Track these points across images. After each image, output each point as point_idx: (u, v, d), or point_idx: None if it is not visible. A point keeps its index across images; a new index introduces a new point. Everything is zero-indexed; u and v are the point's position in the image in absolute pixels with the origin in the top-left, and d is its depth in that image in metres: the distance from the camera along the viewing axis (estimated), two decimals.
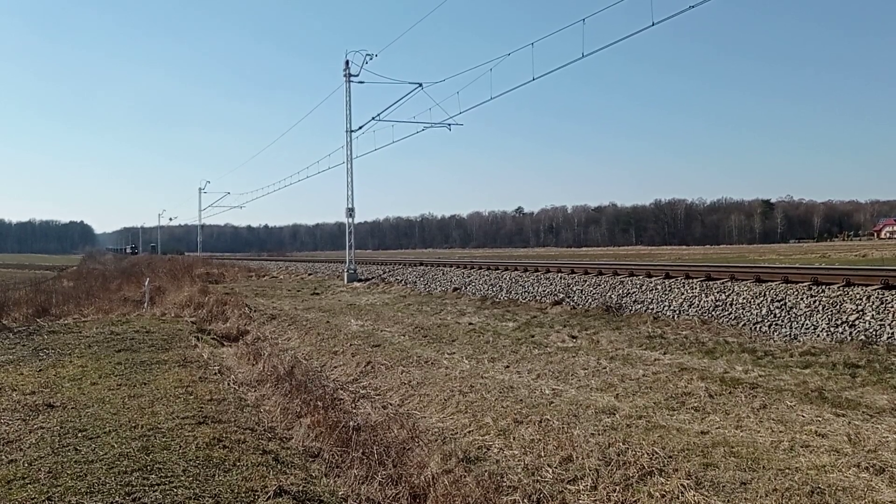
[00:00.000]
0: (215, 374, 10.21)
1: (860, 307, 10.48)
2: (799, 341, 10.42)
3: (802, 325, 10.92)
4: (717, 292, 13.13)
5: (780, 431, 6.33)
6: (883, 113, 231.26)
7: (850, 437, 5.98)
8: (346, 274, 29.63)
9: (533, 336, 12.61)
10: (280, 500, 5.10)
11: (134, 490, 5.02)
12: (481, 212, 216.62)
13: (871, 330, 10.00)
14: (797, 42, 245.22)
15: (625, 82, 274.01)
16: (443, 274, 24.28)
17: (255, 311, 21.20)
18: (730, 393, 7.72)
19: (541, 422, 7.31)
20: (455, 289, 21.54)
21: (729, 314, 12.35)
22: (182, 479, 5.30)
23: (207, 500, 4.94)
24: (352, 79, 29.71)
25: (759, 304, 11.97)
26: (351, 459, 6.54)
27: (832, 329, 10.45)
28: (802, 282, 12.33)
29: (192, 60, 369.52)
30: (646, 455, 5.97)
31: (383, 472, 6.22)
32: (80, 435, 6.45)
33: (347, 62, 29.58)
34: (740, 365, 9.09)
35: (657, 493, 5.34)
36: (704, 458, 5.78)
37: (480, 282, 21.03)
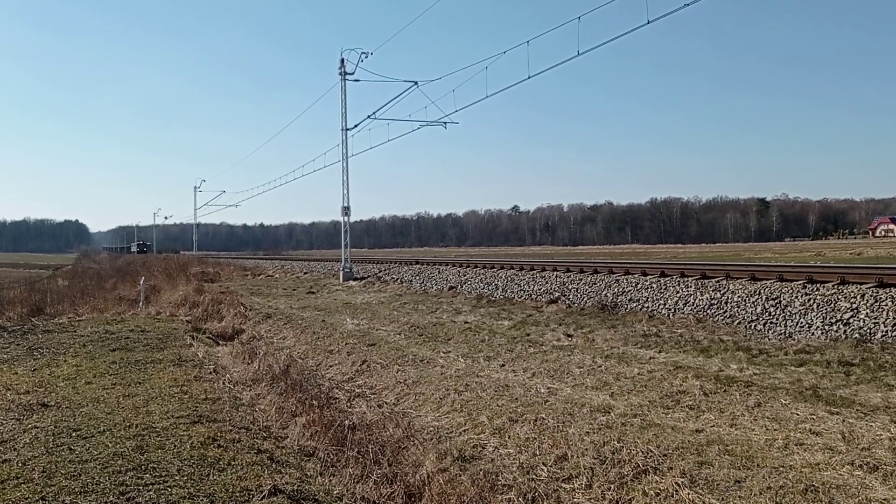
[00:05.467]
0: (210, 373, 10.20)
1: (855, 305, 10.52)
2: (794, 339, 10.45)
3: (797, 323, 10.95)
4: (713, 291, 13.16)
5: (775, 429, 6.34)
6: (879, 111, 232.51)
7: (844, 435, 5.99)
8: (341, 273, 29.59)
9: (528, 335, 12.61)
10: (275, 499, 5.10)
11: (128, 490, 5.00)
12: (477, 210, 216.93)
13: (865, 328, 10.03)
14: (793, 40, 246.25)
15: (620, 80, 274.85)
16: (438, 272, 24.27)
17: (250, 310, 21.17)
18: (724, 391, 7.73)
19: (536, 420, 7.32)
20: (451, 287, 21.54)
21: (724, 312, 12.38)
22: (177, 478, 5.28)
23: (202, 500, 4.93)
24: (347, 77, 29.63)
25: (754, 303, 12.00)
26: (346, 458, 6.54)
27: (827, 327, 10.48)
28: (797, 280, 12.36)
29: (187, 59, 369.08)
30: (640, 453, 5.98)
31: (378, 471, 6.22)
32: (74, 434, 6.43)
33: (343, 60, 29.49)
34: (735, 363, 9.11)
35: (652, 492, 5.35)
36: (699, 457, 5.79)
37: (476, 280, 21.03)
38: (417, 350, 12.12)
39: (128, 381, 9.12)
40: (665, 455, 5.92)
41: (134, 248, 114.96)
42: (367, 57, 28.59)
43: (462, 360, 10.89)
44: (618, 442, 6.35)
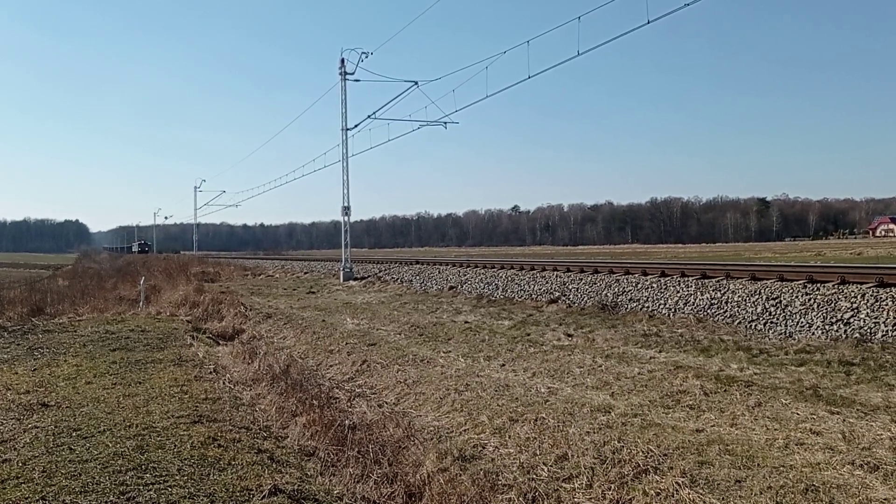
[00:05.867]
0: (210, 373, 10.20)
1: (855, 305, 10.51)
2: (794, 339, 10.45)
3: (797, 323, 10.95)
4: (713, 290, 13.16)
5: (775, 429, 6.34)
6: (879, 111, 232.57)
7: (845, 435, 5.99)
8: (341, 272, 29.59)
9: (529, 334, 12.61)
10: (275, 498, 5.10)
11: (128, 489, 5.00)
12: (477, 210, 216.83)
13: (865, 328, 10.03)
14: (793, 40, 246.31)
15: (621, 80, 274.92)
16: (439, 272, 24.27)
17: (250, 309, 21.17)
18: (725, 391, 7.73)
19: (536, 420, 7.32)
20: (451, 287, 21.53)
21: (724, 312, 12.37)
22: (177, 478, 5.28)
23: (202, 499, 4.93)
24: (347, 77, 29.60)
25: (754, 303, 12.00)
26: (346, 458, 6.54)
27: (827, 327, 10.48)
28: (797, 280, 12.35)
29: (188, 59, 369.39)
30: (641, 453, 5.98)
31: (379, 471, 6.22)
32: (74, 434, 6.43)
33: (343, 60, 29.47)
34: (735, 363, 9.11)
35: (652, 491, 5.35)
36: (699, 456, 5.79)
37: (476, 280, 21.03)
38: (418, 350, 12.12)
39: (128, 380, 9.12)
40: (665, 455, 5.92)
41: (135, 248, 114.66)
42: (367, 57, 28.60)
43: (462, 360, 10.89)
44: (618, 441, 6.35)
